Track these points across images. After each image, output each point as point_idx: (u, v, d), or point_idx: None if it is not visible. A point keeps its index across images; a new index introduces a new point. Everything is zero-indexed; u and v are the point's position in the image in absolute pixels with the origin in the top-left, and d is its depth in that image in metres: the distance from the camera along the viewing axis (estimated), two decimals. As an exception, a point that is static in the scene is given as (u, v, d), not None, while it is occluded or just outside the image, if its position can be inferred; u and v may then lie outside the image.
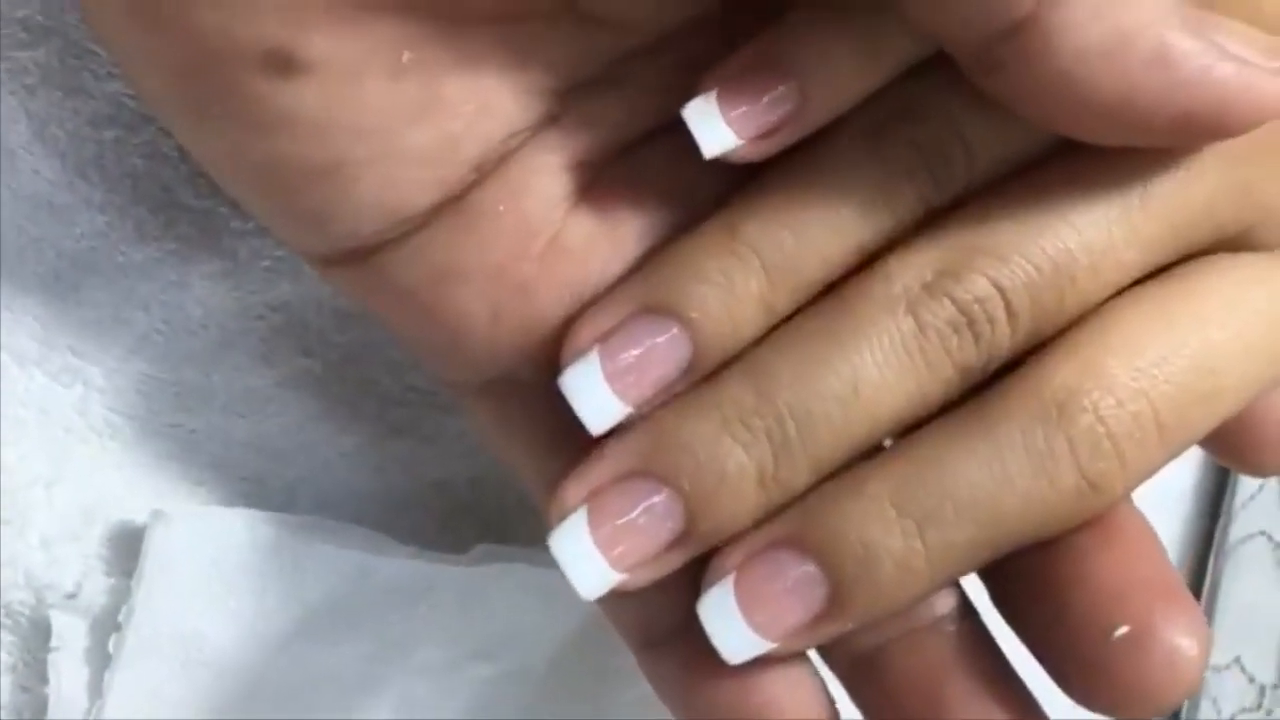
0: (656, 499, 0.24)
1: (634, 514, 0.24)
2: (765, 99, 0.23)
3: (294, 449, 0.33)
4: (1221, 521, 0.46)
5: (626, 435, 0.24)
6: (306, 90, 0.22)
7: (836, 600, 0.24)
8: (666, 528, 0.24)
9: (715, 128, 0.23)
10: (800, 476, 0.24)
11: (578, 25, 0.23)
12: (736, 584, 0.24)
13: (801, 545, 0.24)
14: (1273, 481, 0.46)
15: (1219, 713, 0.46)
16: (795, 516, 0.24)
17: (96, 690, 0.31)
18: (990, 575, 0.25)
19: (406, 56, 0.22)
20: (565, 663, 0.34)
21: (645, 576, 0.24)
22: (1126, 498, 0.25)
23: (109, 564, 0.31)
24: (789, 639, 0.24)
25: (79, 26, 0.28)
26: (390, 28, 0.22)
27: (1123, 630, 0.23)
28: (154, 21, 0.22)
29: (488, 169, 0.24)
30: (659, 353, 0.24)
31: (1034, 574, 0.24)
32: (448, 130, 0.23)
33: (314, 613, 0.31)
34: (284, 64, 0.22)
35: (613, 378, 0.24)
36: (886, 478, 0.24)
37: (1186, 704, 0.46)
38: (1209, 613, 0.46)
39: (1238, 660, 0.46)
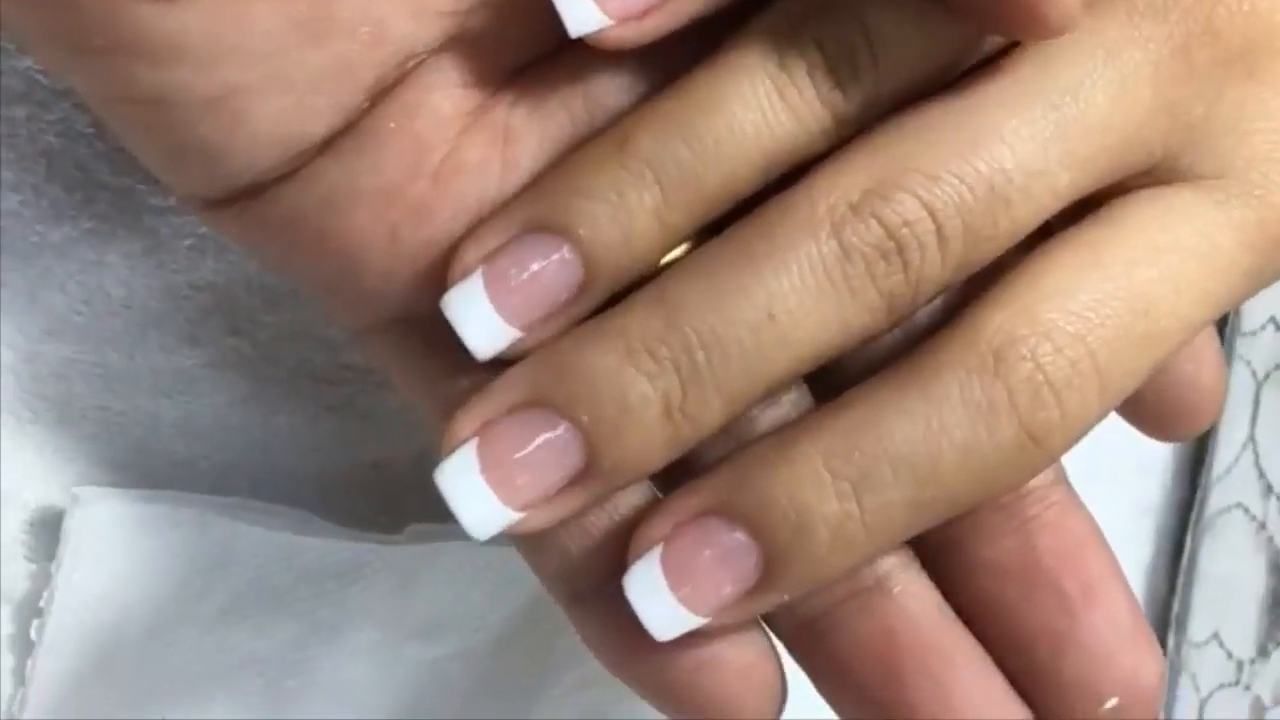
0: (553, 432, 0.23)
1: (529, 448, 0.23)
2: None
3: (225, 431, 0.33)
4: (1199, 494, 0.45)
5: (523, 364, 0.23)
6: (191, 14, 0.21)
7: (770, 571, 0.23)
8: (564, 463, 0.23)
9: (580, 4, 0.22)
10: (711, 409, 0.23)
11: None
12: (663, 556, 0.23)
13: (731, 513, 0.23)
14: (1248, 453, 0.45)
15: (1198, 689, 0.45)
16: (723, 482, 0.23)
17: (20, 678, 0.31)
18: (973, 627, 0.25)
19: None
20: (508, 644, 0.33)
21: (544, 517, 0.23)
22: (1077, 501, 0.25)
23: (30, 549, 0.31)
24: (721, 613, 0.23)
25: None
26: None
27: (1113, 703, 0.24)
28: None
29: (383, 92, 0.23)
30: (546, 272, 0.23)
31: (1022, 633, 0.24)
32: (342, 54, 0.22)
33: (240, 596, 0.31)
34: None
35: (498, 299, 0.23)
36: (818, 438, 0.23)
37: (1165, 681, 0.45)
38: (1187, 587, 0.45)
39: (1216, 635, 0.45)
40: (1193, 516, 0.46)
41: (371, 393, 0.33)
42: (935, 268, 0.23)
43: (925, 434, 0.23)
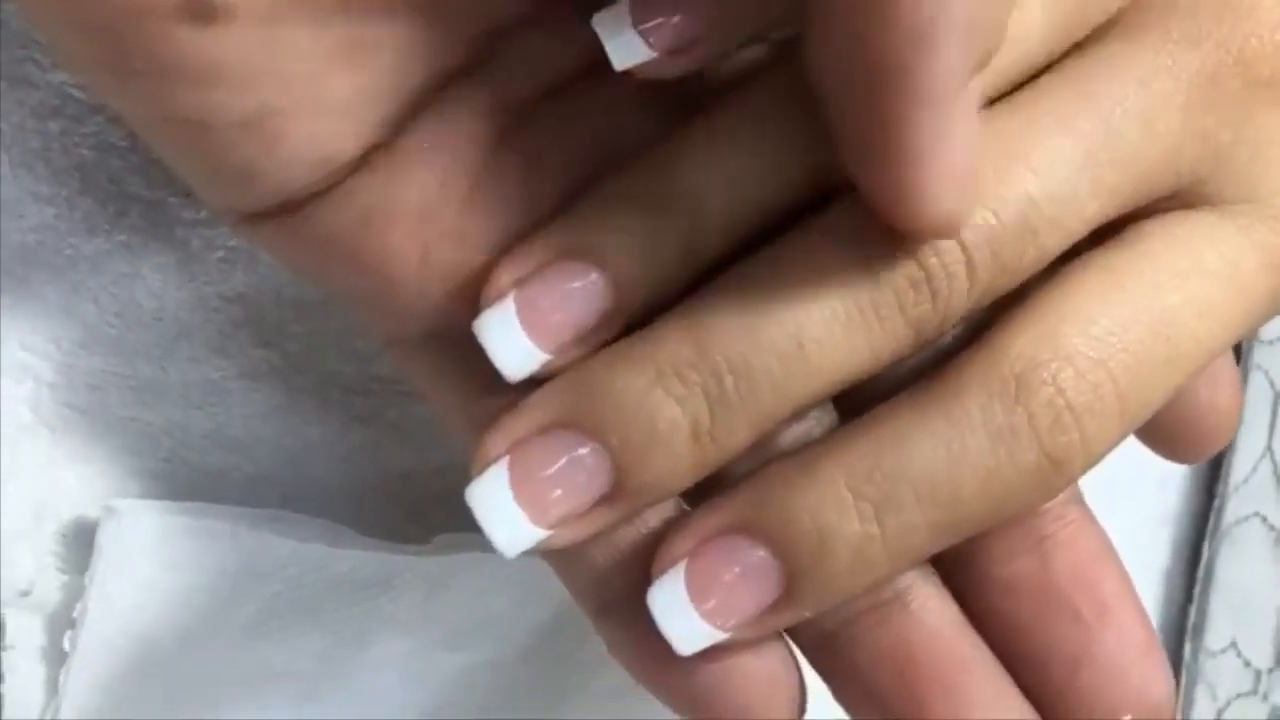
0: (582, 452, 0.23)
1: (557, 468, 0.23)
2: (678, 10, 0.22)
3: (255, 441, 0.33)
4: (1216, 503, 0.45)
5: (554, 384, 0.23)
6: (229, 37, 0.22)
7: (791, 589, 0.23)
8: (593, 484, 0.23)
9: (626, 38, 0.22)
10: (738, 434, 0.23)
11: None
12: (687, 572, 0.23)
13: (754, 531, 0.23)
14: (1266, 463, 0.45)
15: (1215, 697, 0.45)
16: (747, 500, 0.23)
17: (53, 688, 0.31)
18: (989, 641, 0.25)
19: None
20: (535, 653, 0.34)
21: (571, 535, 0.23)
22: (1090, 517, 0.25)
23: (63, 560, 0.31)
24: (742, 629, 0.23)
25: (21, 15, 0.28)
26: None
27: (1126, 719, 0.24)
28: None
29: (415, 113, 0.23)
30: (576, 298, 0.23)
31: (1037, 649, 0.24)
32: (374, 75, 0.23)
33: (271, 607, 0.31)
34: (204, 11, 0.21)
35: (529, 324, 0.23)
36: (841, 459, 0.23)
37: (1183, 690, 0.45)
38: (1204, 596, 0.45)
39: (1234, 644, 0.45)
40: (1210, 525, 0.46)
41: (401, 403, 0.33)
42: (962, 296, 0.23)
43: (946, 457, 0.23)
